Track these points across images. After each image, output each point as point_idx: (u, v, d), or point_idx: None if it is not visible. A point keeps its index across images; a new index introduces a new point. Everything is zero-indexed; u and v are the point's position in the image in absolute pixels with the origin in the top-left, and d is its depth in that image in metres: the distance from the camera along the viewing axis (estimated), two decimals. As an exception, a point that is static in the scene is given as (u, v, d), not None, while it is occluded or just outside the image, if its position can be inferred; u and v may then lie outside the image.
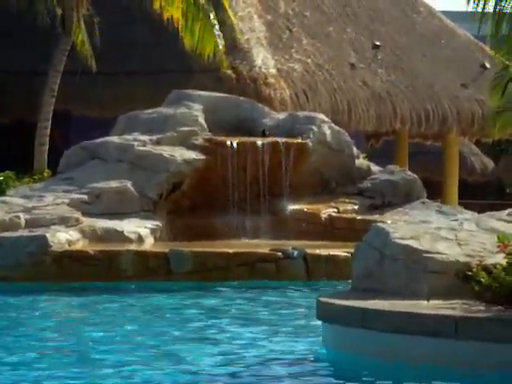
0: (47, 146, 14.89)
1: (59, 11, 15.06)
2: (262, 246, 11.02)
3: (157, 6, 15.15)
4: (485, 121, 20.02)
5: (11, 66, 17.09)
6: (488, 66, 20.50)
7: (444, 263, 6.25)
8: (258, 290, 9.80)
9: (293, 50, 17.99)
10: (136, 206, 11.67)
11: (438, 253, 6.32)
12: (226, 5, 15.53)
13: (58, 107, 15.34)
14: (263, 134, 12.69)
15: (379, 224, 6.92)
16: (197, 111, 12.81)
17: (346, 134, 13.21)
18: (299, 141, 12.57)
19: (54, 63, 15.06)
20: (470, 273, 6.13)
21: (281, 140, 12.47)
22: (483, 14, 7.65)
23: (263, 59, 17.28)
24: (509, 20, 7.75)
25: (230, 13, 15.80)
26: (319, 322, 6.42)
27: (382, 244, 6.49)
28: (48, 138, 14.95)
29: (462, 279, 6.16)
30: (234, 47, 16.77)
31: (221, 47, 15.26)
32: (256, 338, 7.09)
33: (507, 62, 16.34)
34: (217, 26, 15.19)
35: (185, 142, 12.36)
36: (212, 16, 15.16)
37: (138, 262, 10.34)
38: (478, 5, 7.56)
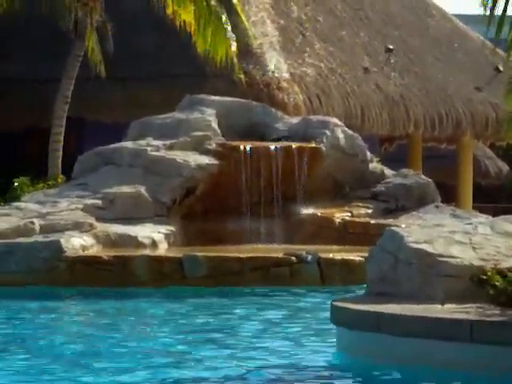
0: (61, 152, 14.93)
1: (73, 17, 15.10)
2: (276, 250, 11.02)
3: (169, 11, 15.18)
4: (499, 124, 19.96)
5: (25, 73, 17.16)
6: (502, 69, 20.44)
7: (458, 267, 6.22)
8: (271, 294, 9.79)
9: (306, 55, 17.99)
10: (150, 211, 11.68)
11: (452, 257, 6.30)
12: (239, 9, 15.55)
13: (72, 113, 15.38)
14: (278, 141, 12.68)
15: (393, 228, 6.91)
16: (210, 116, 12.82)
17: (360, 138, 13.19)
18: (312, 145, 12.57)
19: (68, 69, 15.11)
20: (484, 276, 6.11)
21: (294, 144, 12.46)
22: (501, 17, 7.63)
23: (276, 64, 17.29)
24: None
25: (243, 17, 15.81)
26: (334, 327, 6.40)
27: (396, 248, 6.47)
28: (62, 144, 14.99)
29: (476, 283, 6.13)
30: (246, 52, 16.78)
31: (234, 49, 15.26)
32: (269, 343, 7.08)
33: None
34: (229, 28, 15.19)
35: (198, 146, 12.37)
36: (224, 19, 15.17)
37: (152, 267, 10.35)
38: (492, 9, 7.53)
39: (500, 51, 19.72)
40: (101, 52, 15.53)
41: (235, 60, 15.48)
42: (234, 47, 15.28)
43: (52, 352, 6.84)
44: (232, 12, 15.62)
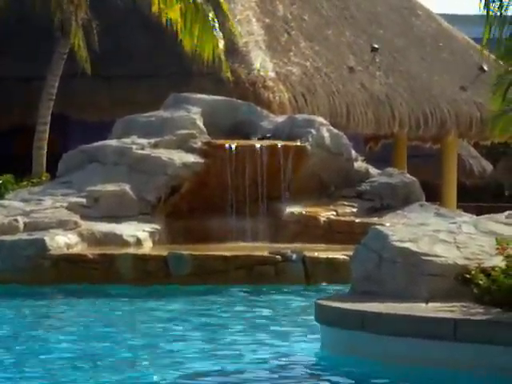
0: (45, 150, 14.88)
1: (58, 15, 15.05)
2: (261, 249, 11.02)
3: (155, 8, 15.15)
4: (483, 123, 20.02)
5: (10, 70, 17.09)
6: (486, 68, 20.51)
7: (443, 266, 6.25)
8: (256, 292, 9.79)
9: (291, 53, 18.00)
10: (134, 210, 11.66)
11: (437, 255, 6.32)
12: (225, 7, 15.53)
13: (57, 111, 15.34)
14: (263, 139, 12.67)
15: (378, 227, 6.92)
16: (195, 114, 12.81)
17: (345, 137, 13.21)
18: (298, 144, 12.58)
19: (53, 67, 15.06)
20: (468, 275, 6.13)
21: (279, 143, 12.47)
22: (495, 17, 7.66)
23: (262, 62, 17.28)
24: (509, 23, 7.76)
25: (230, 16, 15.78)
26: (318, 325, 6.41)
27: (380, 247, 6.49)
28: (46, 142, 14.94)
29: (460, 282, 6.16)
30: (232, 50, 16.77)
31: (221, 47, 15.23)
32: (254, 341, 7.08)
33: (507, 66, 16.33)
34: (216, 26, 15.16)
35: (183, 145, 12.35)
36: (211, 17, 15.14)
37: (137, 266, 10.33)
38: (489, 8, 7.55)
39: (485, 51, 19.76)
40: (87, 50, 15.49)
41: (222, 58, 15.47)
42: (221, 45, 15.26)
43: (35, 350, 6.82)
44: (218, 10, 15.60)
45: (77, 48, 15.30)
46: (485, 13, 7.67)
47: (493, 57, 17.44)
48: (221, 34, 15.31)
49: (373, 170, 13.19)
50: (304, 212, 12.25)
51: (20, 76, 16.97)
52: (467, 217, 10.88)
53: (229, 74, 16.13)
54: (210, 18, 15.14)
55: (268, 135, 12.80)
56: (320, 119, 13.42)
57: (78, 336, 7.37)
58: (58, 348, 6.85)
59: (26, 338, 7.33)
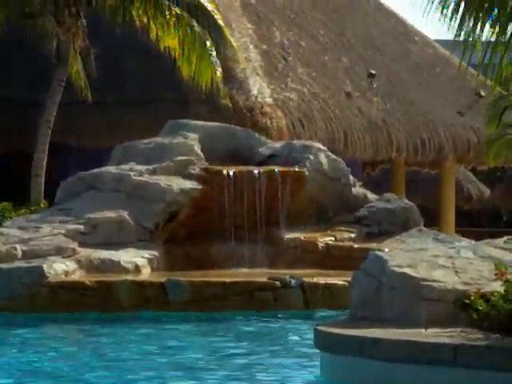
0: (43, 177, 14.89)
1: (55, 42, 15.12)
2: (260, 274, 11.00)
3: (153, 36, 15.22)
4: (481, 148, 20.07)
5: (8, 97, 17.14)
6: (483, 93, 20.59)
7: (441, 291, 6.24)
8: (255, 318, 9.76)
9: (288, 79, 18.06)
10: (133, 236, 11.65)
11: (436, 281, 6.31)
12: (226, 32, 15.56)
13: (55, 138, 15.36)
14: (263, 162, 12.70)
15: (376, 252, 6.91)
16: (193, 140, 12.83)
17: (343, 162, 13.23)
18: (296, 169, 12.59)
19: (51, 94, 15.11)
20: (467, 301, 6.12)
21: (277, 169, 12.49)
22: (475, 42, 7.72)
23: (259, 88, 17.35)
24: (501, 49, 7.80)
25: (231, 40, 15.79)
26: (317, 351, 6.39)
27: (379, 272, 6.48)
28: (44, 169, 14.95)
29: (459, 307, 6.14)
30: (230, 77, 16.83)
31: (218, 75, 15.30)
32: (253, 368, 7.05)
33: (502, 91, 16.42)
34: (214, 54, 15.24)
35: (181, 171, 12.36)
36: (209, 44, 15.22)
37: (135, 292, 10.31)
38: (469, 34, 7.62)
39: (481, 76, 19.87)
40: (85, 77, 15.54)
41: (220, 85, 15.52)
42: (218, 73, 15.32)
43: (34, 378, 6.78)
44: (218, 35, 15.67)
45: (75, 77, 15.36)
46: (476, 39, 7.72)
47: (489, 82, 17.55)
48: (218, 62, 15.38)
49: (371, 196, 13.19)
50: (302, 237, 12.25)
51: (19, 101, 17.02)
52: (466, 242, 10.88)
53: (227, 101, 16.18)
54: (207, 46, 15.22)
55: (270, 155, 12.79)
56: (318, 145, 13.45)
57: (74, 362, 7.33)
58: (50, 374, 6.81)
59: (18, 365, 7.30)
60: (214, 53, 15.26)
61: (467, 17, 8.08)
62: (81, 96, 15.52)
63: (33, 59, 16.31)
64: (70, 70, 15.27)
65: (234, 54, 17.06)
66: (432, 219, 19.65)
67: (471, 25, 7.85)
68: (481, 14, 7.83)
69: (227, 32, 16.14)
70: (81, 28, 15.25)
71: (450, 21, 8.08)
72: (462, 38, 7.91)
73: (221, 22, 15.40)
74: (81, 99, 15.77)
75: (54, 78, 15.17)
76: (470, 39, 7.82)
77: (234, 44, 17.13)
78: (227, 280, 10.51)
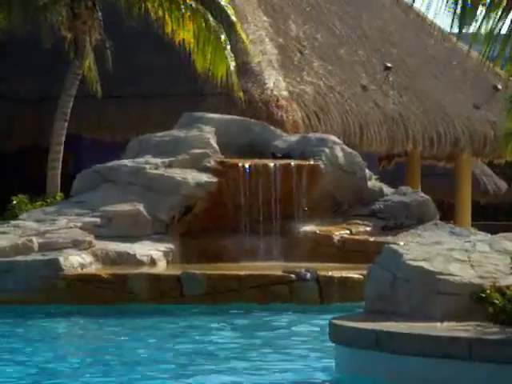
0: (60, 170, 14.93)
1: (72, 36, 15.14)
2: (275, 268, 11.00)
3: (168, 29, 15.22)
4: (497, 142, 19.98)
5: (24, 91, 17.19)
6: (500, 87, 20.49)
7: (457, 285, 6.22)
8: (271, 312, 9.77)
9: (304, 73, 18.03)
10: (148, 229, 11.67)
11: (451, 274, 6.29)
12: (238, 27, 15.57)
13: (70, 131, 15.40)
14: (274, 157, 12.70)
15: (392, 246, 6.90)
16: (208, 133, 12.84)
17: (358, 155, 13.20)
18: (311, 163, 12.57)
19: (67, 87, 15.14)
20: (483, 294, 6.10)
21: (293, 162, 12.47)
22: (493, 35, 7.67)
23: (275, 82, 17.32)
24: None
25: (243, 35, 15.80)
26: (332, 345, 6.39)
27: (394, 266, 6.47)
28: (60, 162, 14.99)
29: (475, 301, 6.12)
30: (245, 70, 16.82)
31: (233, 68, 15.30)
32: (269, 362, 7.06)
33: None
34: (228, 47, 15.23)
35: (197, 164, 12.37)
36: (223, 38, 15.21)
37: (151, 285, 10.33)
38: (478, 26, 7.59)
39: (498, 69, 19.75)
40: (100, 71, 15.57)
41: (235, 78, 15.52)
42: (233, 66, 15.32)
43: (47, 370, 6.81)
44: (230, 30, 15.66)
45: (87, 71, 15.38)
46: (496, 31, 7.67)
47: (506, 75, 17.45)
48: (233, 55, 15.38)
49: (386, 189, 13.16)
50: (318, 231, 12.23)
51: (31, 96, 17.06)
52: (482, 235, 10.84)
53: (241, 94, 16.17)
54: (222, 39, 15.22)
55: (279, 155, 12.80)
56: (333, 138, 13.42)
57: (91, 354, 7.36)
58: (64, 366, 6.84)
59: (36, 356, 7.33)
60: (228, 46, 15.26)
61: (483, 10, 8.04)
62: (93, 90, 15.54)
63: (47, 53, 16.32)
64: (84, 63, 15.30)
65: (249, 48, 17.02)
66: (448, 213, 19.59)
67: (486, 18, 7.81)
68: (493, 7, 7.79)
69: (239, 27, 16.09)
70: (97, 21, 15.26)
71: (465, 15, 8.04)
72: (478, 31, 7.87)
73: (234, 18, 15.36)
74: (96, 93, 15.79)
75: (69, 71, 15.20)
76: (486, 31, 7.79)
77: (250, 37, 17.07)
78: (242, 273, 10.51)
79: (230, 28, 15.47)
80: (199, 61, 15.23)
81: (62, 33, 15.09)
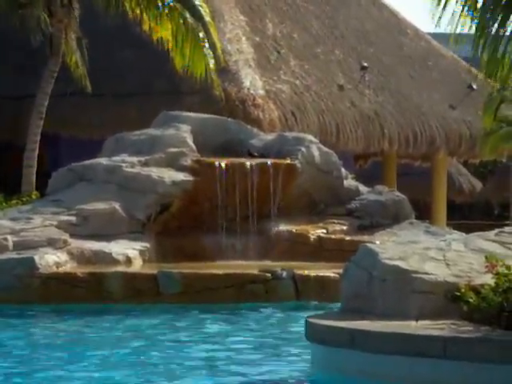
0: (35, 168, 14.86)
1: (48, 33, 15.08)
2: (251, 267, 11.01)
3: (146, 27, 15.19)
4: (472, 141, 20.10)
5: (0, 89, 17.08)
6: (475, 87, 20.62)
7: (432, 283, 6.25)
8: (246, 310, 9.78)
9: (281, 72, 18.05)
10: (124, 228, 11.64)
11: (427, 273, 6.32)
12: (212, 29, 15.51)
13: (47, 129, 15.33)
14: (250, 155, 12.70)
15: (367, 244, 6.92)
16: (185, 132, 12.82)
17: (335, 154, 13.23)
18: (288, 162, 12.59)
19: (43, 85, 15.07)
20: (458, 293, 6.14)
21: (269, 161, 12.48)
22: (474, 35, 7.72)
23: (251, 81, 17.33)
24: (501, 43, 7.80)
25: (215, 36, 15.73)
26: (308, 343, 6.40)
27: (370, 264, 6.49)
28: (36, 160, 14.92)
29: (450, 299, 6.16)
30: (222, 69, 16.81)
31: (212, 66, 15.28)
32: (244, 360, 7.06)
33: (496, 85, 16.43)
34: (207, 45, 15.22)
35: (173, 163, 12.36)
36: (201, 35, 15.19)
37: (127, 284, 10.30)
38: (478, 28, 7.61)
39: (473, 69, 19.87)
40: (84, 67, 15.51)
41: (214, 77, 15.50)
42: (212, 64, 15.30)
43: (19, 368, 6.79)
44: (208, 29, 15.64)
45: (74, 67, 15.32)
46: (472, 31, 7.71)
47: (481, 75, 17.55)
48: (211, 53, 15.36)
49: (362, 188, 13.21)
50: (294, 230, 12.25)
51: (8, 94, 16.97)
52: (457, 234, 10.90)
53: (220, 93, 16.16)
54: (200, 37, 15.19)
55: (255, 154, 12.81)
56: (310, 137, 13.45)
57: (65, 353, 7.34)
58: (38, 367, 6.81)
59: (8, 356, 7.30)
60: (206, 44, 15.24)
61: (458, 9, 8.09)
62: (79, 86, 15.47)
63: (23, 51, 16.24)
64: (69, 60, 15.24)
65: (226, 46, 17.01)
66: (423, 212, 19.68)
67: (461, 18, 7.86)
68: (468, 7, 7.84)
69: (219, 24, 16.07)
70: (73, 19, 15.21)
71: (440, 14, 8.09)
72: (453, 31, 7.92)
73: (208, 18, 15.32)
74: (74, 91, 15.73)
75: (45, 69, 15.13)
76: (461, 32, 7.84)
77: (227, 36, 17.05)
78: (219, 272, 10.51)
79: (205, 27, 15.45)
80: (178, 59, 15.21)
81: (39, 30, 15.01)
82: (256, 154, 12.80)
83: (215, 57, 15.41)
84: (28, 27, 15.03)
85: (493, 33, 7.68)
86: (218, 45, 15.57)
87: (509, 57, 7.79)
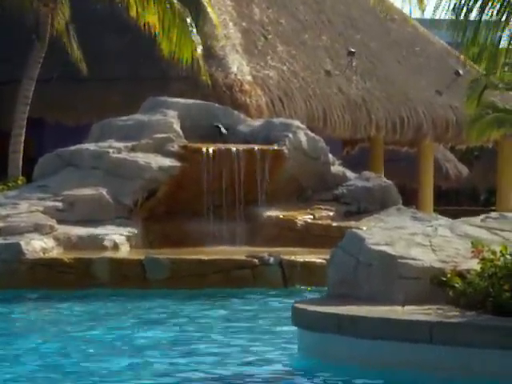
0: (21, 154, 14.82)
1: (34, 18, 15.01)
2: (238, 252, 11.02)
3: (133, 12, 15.13)
4: (459, 127, 20.13)
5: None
6: (462, 72, 20.63)
7: (419, 269, 6.27)
8: (233, 296, 9.79)
9: (268, 57, 18.02)
10: (111, 213, 11.63)
11: (413, 258, 6.34)
12: (210, 9, 15.42)
13: (33, 115, 15.28)
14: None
15: (354, 230, 6.94)
16: (172, 118, 12.80)
17: (322, 140, 13.24)
18: (275, 148, 12.59)
19: (28, 70, 15.01)
20: (444, 278, 6.16)
21: (256, 147, 12.48)
22: (464, 21, 7.71)
23: (239, 66, 17.29)
24: (486, 28, 7.80)
25: (214, 17, 15.63)
26: (295, 328, 6.42)
27: (356, 250, 6.51)
28: (22, 146, 14.88)
29: (436, 285, 6.18)
30: (209, 54, 16.77)
31: (199, 52, 15.24)
32: (231, 346, 7.08)
33: (480, 70, 16.45)
34: (194, 31, 15.18)
35: (160, 148, 12.34)
36: (189, 21, 15.15)
37: (114, 270, 10.30)
38: (459, 13, 7.59)
39: (460, 55, 19.87)
40: (63, 54, 15.45)
41: (201, 62, 15.46)
42: (199, 50, 15.26)
43: (13, 357, 6.78)
44: (198, 13, 15.59)
45: (70, 50, 15.27)
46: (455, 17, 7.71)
47: (468, 61, 17.56)
48: (199, 39, 15.32)
49: (350, 174, 13.22)
50: (281, 216, 12.27)
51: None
52: (443, 220, 10.93)
53: (207, 78, 16.12)
54: (187, 22, 15.14)
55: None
56: (297, 123, 13.45)
57: (53, 339, 7.34)
58: (21, 354, 6.81)
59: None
60: (194, 30, 15.19)
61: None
62: (79, 69, 15.41)
63: (8, 35, 16.15)
64: (65, 44, 15.18)
65: (213, 32, 16.98)
66: (410, 198, 19.72)
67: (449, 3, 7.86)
68: None
69: (211, 8, 16.00)
70: (60, 3, 15.13)
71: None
72: (440, 17, 7.92)
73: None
74: (58, 75, 15.68)
75: (31, 54, 15.06)
76: (449, 18, 7.84)
77: (216, 21, 17.01)
78: (206, 258, 10.52)
79: (197, 11, 15.39)
80: (164, 44, 15.16)
81: (26, 15, 14.94)
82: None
83: (203, 40, 15.37)
84: (14, 12, 14.96)
85: (473, 18, 7.69)
86: (217, 23, 15.49)
87: (491, 42, 7.79)
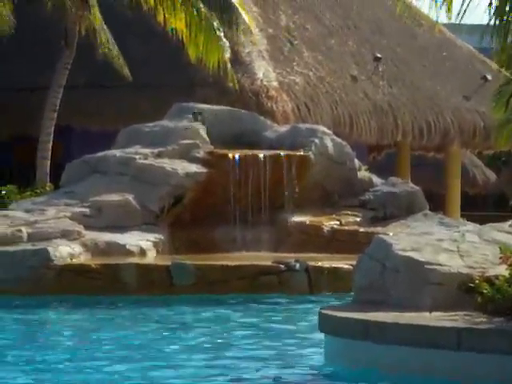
0: (49, 160, 14.91)
1: (63, 26, 15.11)
2: (264, 258, 11.01)
3: (160, 18, 15.18)
4: (486, 133, 20.02)
5: (13, 81, 17.13)
6: (489, 77, 20.53)
7: (446, 275, 6.24)
8: (259, 302, 9.79)
9: (294, 63, 18.02)
10: (138, 219, 11.66)
11: (440, 264, 6.31)
12: (243, 10, 15.38)
13: (60, 121, 15.37)
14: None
15: (381, 236, 6.91)
16: (198, 124, 12.82)
17: (348, 146, 13.21)
18: (301, 153, 12.58)
19: (56, 77, 15.10)
20: (472, 284, 6.12)
21: (282, 152, 12.48)
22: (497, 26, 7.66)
23: (265, 72, 17.31)
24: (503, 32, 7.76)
25: (246, 17, 15.59)
26: (322, 335, 6.40)
27: (383, 256, 6.48)
28: (50, 152, 14.97)
29: (464, 291, 6.15)
30: (235, 60, 16.79)
31: (227, 56, 15.26)
32: (258, 352, 7.07)
33: (509, 75, 16.34)
34: (222, 35, 15.20)
35: (186, 155, 12.37)
36: (216, 26, 15.16)
37: (140, 276, 10.33)
38: (495, 18, 7.54)
39: (487, 60, 19.74)
40: (90, 60, 15.53)
41: (228, 68, 15.47)
42: (227, 55, 15.28)
43: (39, 362, 6.82)
44: (223, 20, 15.59)
45: (115, 58, 15.35)
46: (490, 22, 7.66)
47: (496, 66, 17.47)
48: (227, 43, 15.33)
49: (376, 180, 13.18)
50: (307, 221, 12.25)
51: (22, 86, 17.01)
52: (471, 226, 10.85)
53: (233, 84, 16.14)
54: (215, 27, 15.16)
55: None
56: (323, 128, 13.43)
57: (80, 345, 7.36)
58: (55, 358, 6.84)
59: (26, 347, 7.33)
60: (221, 35, 15.21)
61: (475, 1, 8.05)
62: (123, 75, 15.48)
63: (37, 42, 16.26)
64: (109, 53, 15.25)
65: (239, 38, 17.00)
66: (437, 204, 19.62)
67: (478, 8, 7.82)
68: None
69: (243, 9, 15.93)
70: (87, 11, 15.22)
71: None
72: (469, 23, 7.88)
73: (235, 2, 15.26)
74: (86, 82, 15.76)
75: (59, 61, 15.15)
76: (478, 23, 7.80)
77: (250, 22, 16.88)
78: (232, 263, 10.52)
79: (223, 17, 15.37)
80: (191, 50, 15.18)
81: (53, 22, 15.05)
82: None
83: (230, 46, 15.38)
84: (42, 19, 15.06)
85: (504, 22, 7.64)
86: (251, 22, 15.45)
87: None
